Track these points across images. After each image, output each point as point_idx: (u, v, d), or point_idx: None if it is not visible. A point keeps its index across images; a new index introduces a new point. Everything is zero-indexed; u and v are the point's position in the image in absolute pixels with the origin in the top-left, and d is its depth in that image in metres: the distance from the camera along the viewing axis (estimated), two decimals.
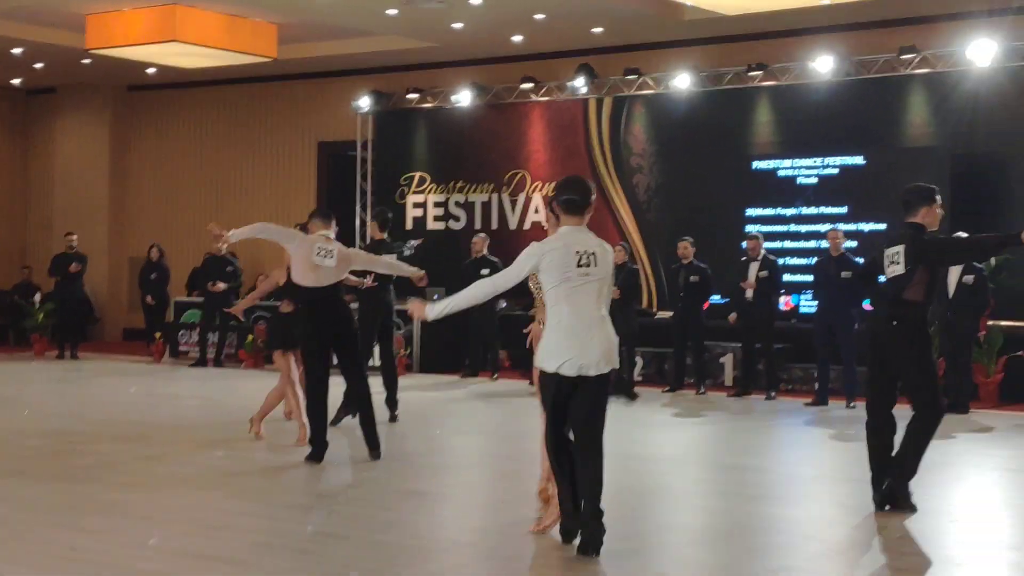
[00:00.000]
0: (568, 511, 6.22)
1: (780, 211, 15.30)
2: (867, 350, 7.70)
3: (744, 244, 14.09)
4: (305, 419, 9.28)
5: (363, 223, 18.91)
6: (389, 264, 9.64)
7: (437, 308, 6.30)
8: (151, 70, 19.31)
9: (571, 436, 6.21)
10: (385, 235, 11.35)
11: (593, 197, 6.39)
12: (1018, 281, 13.52)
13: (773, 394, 13.47)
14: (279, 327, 9.98)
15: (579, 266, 6.10)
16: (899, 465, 7.25)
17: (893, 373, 7.35)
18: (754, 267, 13.70)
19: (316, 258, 8.65)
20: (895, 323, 7.24)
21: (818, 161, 15.05)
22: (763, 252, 13.77)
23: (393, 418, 10.89)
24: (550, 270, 6.09)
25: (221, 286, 16.94)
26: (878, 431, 7.41)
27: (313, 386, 8.84)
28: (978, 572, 5.98)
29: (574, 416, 6.11)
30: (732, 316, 13.83)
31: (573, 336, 6.02)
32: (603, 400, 6.12)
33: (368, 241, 12.10)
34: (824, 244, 13.64)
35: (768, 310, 13.70)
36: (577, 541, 6.14)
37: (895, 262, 7.32)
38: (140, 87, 21.54)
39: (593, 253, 6.18)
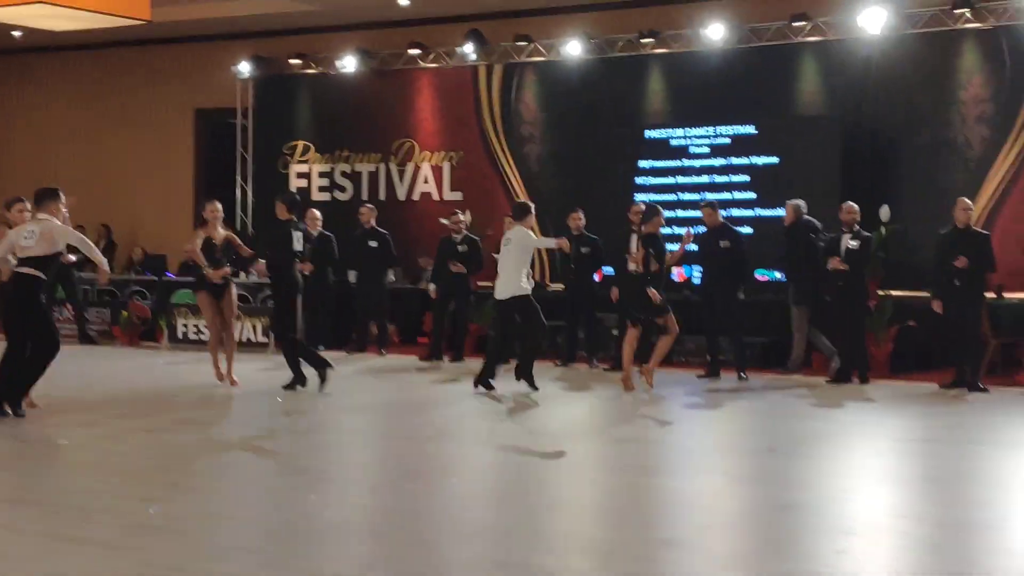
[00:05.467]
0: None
1: (672, 186, 15.48)
2: None
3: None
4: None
5: (244, 193, 18.70)
6: (86, 245, 10.02)
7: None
8: (16, 33, 18.77)
9: None
10: (293, 216, 11.86)
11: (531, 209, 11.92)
12: (908, 251, 13.90)
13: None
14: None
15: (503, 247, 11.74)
16: None
17: None
18: (635, 239, 13.75)
19: (22, 242, 9.66)
20: None
21: (710, 130, 15.25)
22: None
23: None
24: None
25: (72, 259, 16.53)
26: None
27: (5, 351, 9.78)
28: (868, 541, 6.16)
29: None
30: (614, 291, 13.90)
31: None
32: (509, 314, 11.72)
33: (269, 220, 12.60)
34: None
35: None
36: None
37: None
38: (5, 51, 20.93)
39: (509, 239, 11.60)
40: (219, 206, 12.04)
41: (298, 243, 11.75)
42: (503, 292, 11.66)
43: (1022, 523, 6.62)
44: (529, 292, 11.66)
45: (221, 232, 11.87)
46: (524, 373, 11.83)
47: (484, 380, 11.77)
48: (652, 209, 12.21)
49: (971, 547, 6.07)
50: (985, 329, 12.64)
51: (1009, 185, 14.10)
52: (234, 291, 12.04)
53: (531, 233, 11.86)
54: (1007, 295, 13.26)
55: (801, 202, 13.47)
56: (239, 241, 12.04)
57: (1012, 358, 13.02)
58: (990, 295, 12.78)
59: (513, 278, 11.58)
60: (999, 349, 13.05)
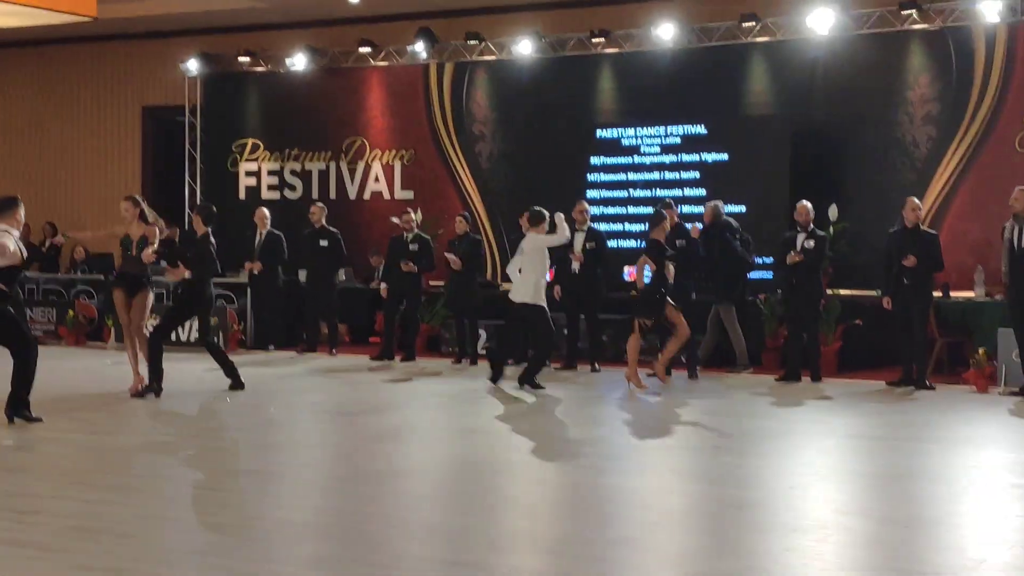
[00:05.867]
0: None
1: (622, 184, 15.49)
2: None
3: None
4: None
5: (192, 192, 18.54)
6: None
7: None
8: None
9: None
10: (209, 229, 11.62)
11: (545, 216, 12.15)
12: (856, 250, 14.00)
13: (598, 367, 13.63)
14: None
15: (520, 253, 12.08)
16: None
17: None
18: (580, 238, 13.72)
19: None
20: None
21: (661, 130, 15.30)
22: (589, 223, 13.87)
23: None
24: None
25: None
26: None
27: None
28: (815, 538, 6.18)
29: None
30: (556, 289, 13.86)
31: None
32: (531, 318, 12.03)
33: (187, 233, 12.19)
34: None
35: (595, 282, 13.82)
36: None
37: None
38: None
39: (523, 248, 12.04)
40: (129, 204, 11.48)
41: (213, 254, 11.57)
42: (516, 295, 12.08)
43: (968, 520, 6.67)
44: (541, 303, 11.96)
45: (139, 228, 11.50)
46: (528, 379, 11.95)
47: (529, 379, 11.97)
48: (659, 213, 12.31)
49: (918, 544, 6.11)
50: (932, 328, 12.76)
51: (955, 184, 14.25)
52: (150, 295, 11.49)
53: (541, 236, 12.05)
54: (953, 294, 13.39)
55: (719, 202, 13.75)
56: (153, 240, 11.56)
57: (958, 356, 13.14)
58: (937, 294, 12.90)
59: (526, 284, 11.95)
60: (945, 348, 13.17)
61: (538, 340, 12.30)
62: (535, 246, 12.01)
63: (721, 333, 13.55)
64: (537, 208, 12.34)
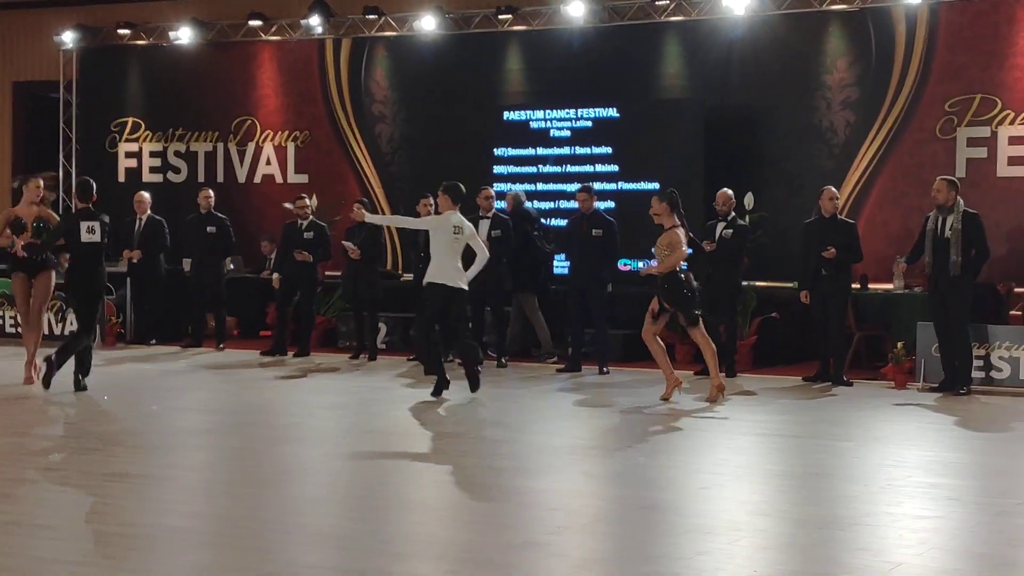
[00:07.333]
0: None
1: (531, 159, 15.51)
2: None
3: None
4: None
5: (68, 174, 18.22)
6: None
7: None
8: None
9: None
10: (87, 204, 11.40)
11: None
12: (772, 241, 14.21)
13: (504, 361, 13.71)
14: None
15: (454, 234, 11.07)
16: None
17: None
18: (485, 225, 13.73)
19: None
20: None
21: (571, 113, 15.37)
22: (495, 210, 13.91)
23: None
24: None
25: None
26: None
27: None
28: (728, 540, 6.28)
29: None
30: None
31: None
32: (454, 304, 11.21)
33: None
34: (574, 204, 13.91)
35: (500, 272, 13.82)
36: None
37: None
38: None
39: (460, 226, 11.09)
40: (41, 183, 11.66)
41: (91, 233, 11.17)
42: (457, 281, 11.17)
43: (885, 521, 6.82)
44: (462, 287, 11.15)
45: (33, 210, 11.41)
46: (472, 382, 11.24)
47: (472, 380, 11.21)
48: (672, 196, 11.39)
49: (833, 546, 6.23)
50: (849, 321, 13.01)
51: (874, 172, 14.54)
52: (52, 277, 11.61)
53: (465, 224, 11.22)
54: (872, 286, 13.65)
55: (521, 191, 14.18)
56: (56, 217, 11.56)
57: (876, 351, 13.40)
58: (855, 286, 13.15)
59: (455, 266, 11.13)
60: (863, 341, 13.43)
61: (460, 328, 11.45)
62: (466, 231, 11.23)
63: (525, 322, 14.12)
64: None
